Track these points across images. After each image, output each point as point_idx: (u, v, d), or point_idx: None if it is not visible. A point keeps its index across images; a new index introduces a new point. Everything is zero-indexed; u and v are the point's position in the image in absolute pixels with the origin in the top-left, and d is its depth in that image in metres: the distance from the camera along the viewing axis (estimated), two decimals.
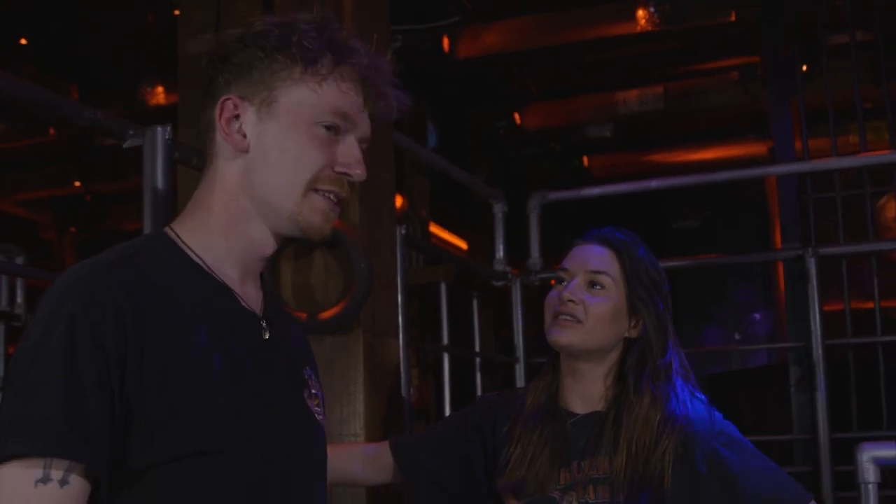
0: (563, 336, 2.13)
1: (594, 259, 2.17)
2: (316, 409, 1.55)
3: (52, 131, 7.80)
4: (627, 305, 2.15)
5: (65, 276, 1.35)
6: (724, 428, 2.13)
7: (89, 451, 1.24)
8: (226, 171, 1.47)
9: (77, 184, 8.93)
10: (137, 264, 1.38)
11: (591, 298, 2.14)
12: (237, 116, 1.45)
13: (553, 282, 2.25)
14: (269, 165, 1.45)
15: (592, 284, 2.15)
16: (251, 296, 1.49)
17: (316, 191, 1.45)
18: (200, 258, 1.45)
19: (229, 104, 1.45)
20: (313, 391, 1.56)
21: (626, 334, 2.16)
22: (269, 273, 2.46)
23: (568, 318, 2.13)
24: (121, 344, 1.28)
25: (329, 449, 1.61)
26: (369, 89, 1.49)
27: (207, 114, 1.48)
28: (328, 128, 1.45)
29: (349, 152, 1.48)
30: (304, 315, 2.54)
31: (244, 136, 1.45)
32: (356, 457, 2.36)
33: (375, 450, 2.36)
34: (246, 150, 1.45)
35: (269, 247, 1.50)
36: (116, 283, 1.33)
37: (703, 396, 2.18)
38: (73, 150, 8.54)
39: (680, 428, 2.07)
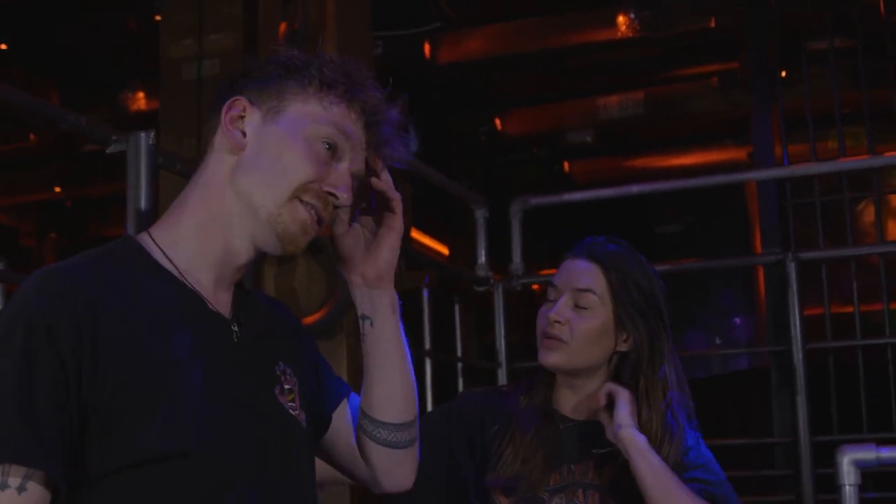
0: (551, 357, 2.15)
1: (581, 276, 2.17)
2: (289, 404, 1.53)
3: (32, 137, 7.76)
4: (615, 321, 2.16)
5: (30, 279, 1.36)
6: (700, 461, 2.14)
7: (45, 457, 1.24)
8: (215, 167, 1.49)
9: (57, 189, 8.88)
10: (102, 268, 1.39)
11: (577, 318, 2.15)
12: (242, 117, 1.49)
13: (543, 289, 2.26)
14: (262, 166, 1.47)
15: (578, 302, 2.15)
16: (222, 300, 1.49)
17: (300, 201, 1.47)
18: (172, 262, 1.45)
19: (238, 104, 1.49)
20: (286, 386, 1.54)
21: (617, 348, 2.17)
22: (249, 278, 2.46)
23: (554, 337, 2.14)
24: (77, 347, 1.29)
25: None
26: (375, 129, 1.54)
27: (212, 121, 1.52)
28: (328, 147, 1.49)
29: (341, 176, 1.50)
30: None
31: (243, 135, 1.49)
32: None
33: None
34: (242, 149, 1.48)
35: (244, 255, 1.50)
36: (78, 286, 1.33)
37: (694, 424, 2.19)
38: (54, 156, 8.50)
39: (676, 442, 2.09)
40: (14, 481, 1.23)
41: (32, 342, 1.27)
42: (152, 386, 1.33)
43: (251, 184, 1.47)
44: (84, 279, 1.35)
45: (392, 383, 1.65)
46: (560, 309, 2.15)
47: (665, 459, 2.05)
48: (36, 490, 1.24)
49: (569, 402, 2.21)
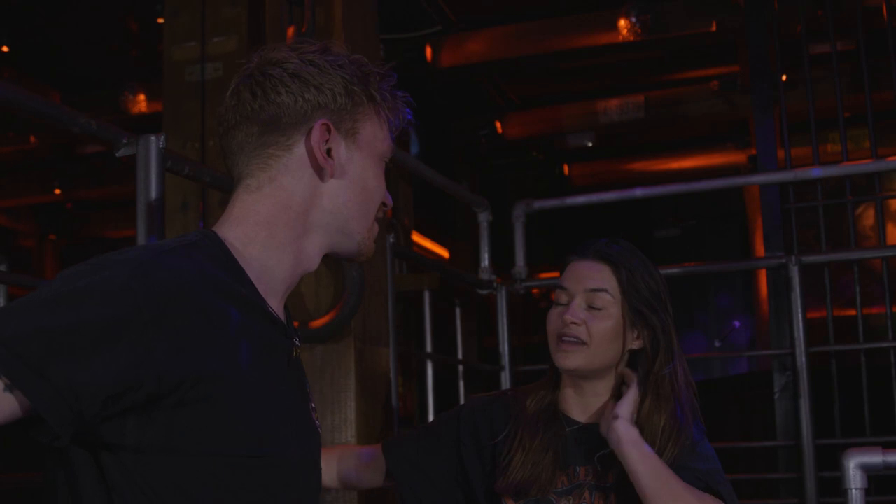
0: (570, 360, 2.14)
1: (592, 277, 2.16)
2: (316, 421, 1.59)
3: (32, 139, 7.77)
4: (628, 319, 2.15)
5: (133, 257, 1.32)
6: (707, 453, 2.14)
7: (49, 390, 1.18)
8: (296, 191, 1.50)
9: (57, 191, 8.89)
10: (195, 258, 1.37)
11: (593, 318, 2.14)
12: (326, 140, 1.50)
13: (543, 292, 2.26)
14: (355, 194, 1.53)
15: (593, 303, 2.15)
16: (279, 312, 1.50)
17: (375, 218, 1.58)
18: (244, 265, 1.45)
19: (324, 129, 1.49)
20: (312, 405, 1.59)
21: (629, 347, 2.17)
22: None
23: (572, 339, 2.13)
24: (166, 333, 1.26)
25: (323, 452, 1.63)
26: (399, 126, 1.61)
27: (274, 133, 1.49)
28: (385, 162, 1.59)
29: (385, 182, 1.60)
30: (296, 323, 2.55)
31: (333, 161, 1.51)
32: (350, 460, 2.36)
33: (369, 453, 2.36)
34: (332, 175, 1.51)
35: (316, 263, 1.55)
36: (177, 271, 1.32)
37: (699, 422, 2.19)
38: (54, 158, 8.51)
39: (684, 437, 2.09)
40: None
41: (131, 312, 1.24)
42: (243, 391, 1.34)
43: (345, 211, 1.53)
44: (182, 267, 1.33)
45: None
46: (575, 310, 2.14)
47: (671, 455, 2.06)
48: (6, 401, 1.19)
49: (575, 403, 2.22)
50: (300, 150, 1.49)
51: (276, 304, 1.49)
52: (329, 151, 1.50)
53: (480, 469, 2.23)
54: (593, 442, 2.15)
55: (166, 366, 1.26)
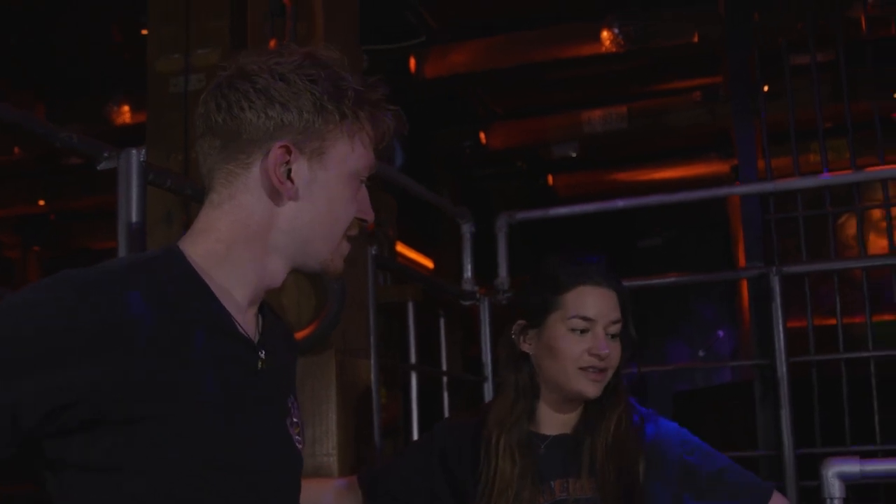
0: (595, 388, 2.18)
1: (612, 307, 2.21)
2: (297, 437, 1.55)
3: (16, 150, 7.74)
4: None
5: (72, 277, 1.32)
6: (685, 436, 2.20)
7: None
8: (255, 210, 1.46)
9: (41, 202, 8.86)
10: (151, 275, 1.37)
11: (612, 347, 2.19)
12: (287, 162, 1.45)
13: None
14: (318, 215, 1.48)
15: (611, 331, 2.20)
16: (249, 323, 1.48)
17: (344, 237, 1.53)
18: (207, 280, 1.43)
19: (283, 151, 1.44)
20: (294, 419, 1.55)
21: None
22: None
23: (601, 369, 2.18)
24: (113, 352, 1.27)
25: (302, 483, 1.61)
26: (382, 141, 1.55)
27: (235, 149, 1.46)
28: (361, 180, 1.53)
29: (365, 200, 1.55)
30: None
31: (293, 183, 1.46)
32: (328, 491, 2.38)
33: (345, 483, 2.39)
34: (294, 198, 1.46)
35: (280, 280, 1.52)
36: (121, 291, 1.31)
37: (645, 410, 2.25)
38: (38, 169, 8.47)
39: (646, 439, 2.14)
40: None
41: (70, 333, 1.25)
42: (185, 400, 1.33)
43: (309, 233, 1.48)
44: (128, 285, 1.32)
45: None
46: (604, 343, 2.18)
47: (637, 455, 2.12)
48: None
49: (550, 418, 2.25)
50: (258, 169, 1.45)
51: (241, 318, 1.46)
52: (290, 173, 1.45)
53: (452, 497, 2.25)
54: (565, 453, 2.19)
55: (106, 385, 1.26)
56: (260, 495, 1.42)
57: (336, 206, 1.49)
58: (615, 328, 2.19)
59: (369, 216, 1.55)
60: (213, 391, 1.36)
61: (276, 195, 1.46)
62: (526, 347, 2.26)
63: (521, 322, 2.28)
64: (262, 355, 1.48)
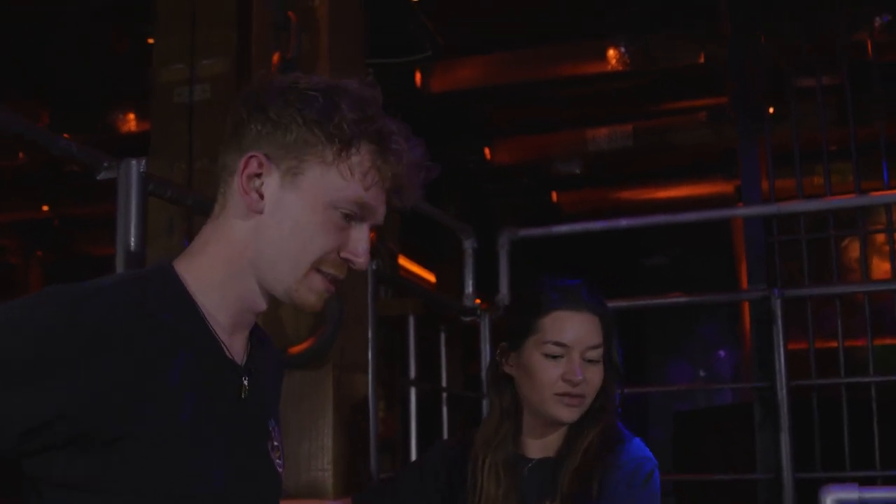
0: (574, 414, 2.16)
1: (592, 333, 2.17)
2: (277, 461, 1.52)
3: (21, 156, 7.76)
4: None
5: (64, 293, 1.31)
6: (640, 470, 2.14)
7: None
8: (235, 226, 1.43)
9: (45, 208, 8.87)
10: (142, 294, 1.35)
11: (589, 371, 2.16)
12: (259, 174, 1.41)
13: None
14: (281, 237, 1.40)
15: (588, 356, 2.16)
16: (237, 346, 1.46)
17: (318, 271, 1.42)
18: (198, 302, 1.41)
19: (254, 161, 1.40)
20: (275, 443, 1.53)
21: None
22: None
23: (578, 395, 2.15)
24: (93, 373, 1.26)
25: None
26: (397, 183, 1.45)
27: (228, 157, 1.44)
28: (345, 215, 1.42)
29: (359, 241, 1.44)
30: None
31: (261, 197, 1.41)
32: None
33: None
34: (260, 213, 1.41)
35: (262, 304, 1.47)
36: (107, 309, 1.30)
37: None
38: (42, 175, 8.49)
39: (616, 463, 2.11)
40: None
41: (51, 352, 1.24)
42: (165, 421, 1.31)
43: (270, 255, 1.41)
44: (115, 305, 1.31)
45: None
46: (578, 369, 2.14)
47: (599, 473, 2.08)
48: None
49: (534, 441, 2.23)
50: (235, 184, 1.42)
51: (229, 340, 1.43)
52: (261, 186, 1.40)
53: None
54: (544, 477, 2.16)
55: (87, 399, 1.25)
56: None
57: (302, 232, 1.40)
58: (594, 353, 2.15)
59: (358, 259, 1.44)
60: (193, 415, 1.34)
61: (245, 207, 1.42)
62: (508, 370, 2.24)
63: (503, 344, 2.26)
64: (246, 382, 1.45)
